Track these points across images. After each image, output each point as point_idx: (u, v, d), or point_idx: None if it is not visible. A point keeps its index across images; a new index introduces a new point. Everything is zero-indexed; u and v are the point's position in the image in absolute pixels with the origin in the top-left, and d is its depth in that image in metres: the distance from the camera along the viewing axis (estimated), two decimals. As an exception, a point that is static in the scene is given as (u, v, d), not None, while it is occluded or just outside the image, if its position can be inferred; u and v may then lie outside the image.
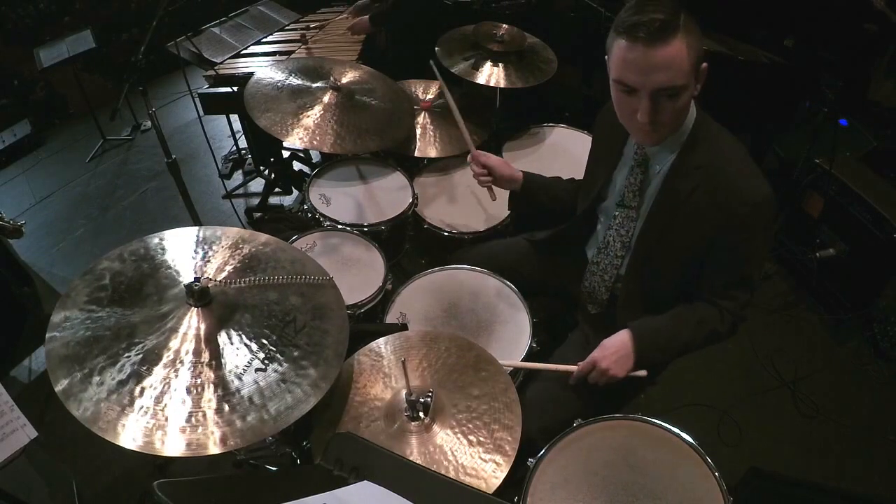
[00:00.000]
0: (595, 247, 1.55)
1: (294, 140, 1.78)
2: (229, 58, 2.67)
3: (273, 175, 3.20)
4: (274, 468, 1.52)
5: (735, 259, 1.30)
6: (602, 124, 1.52)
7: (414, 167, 2.16)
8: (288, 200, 3.25)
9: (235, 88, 2.43)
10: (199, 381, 1.03)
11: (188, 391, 1.01)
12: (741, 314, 1.38)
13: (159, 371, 1.03)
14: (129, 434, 0.96)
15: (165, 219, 3.15)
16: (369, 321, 1.65)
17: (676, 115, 1.20)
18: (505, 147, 2.27)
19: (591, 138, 1.64)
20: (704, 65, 1.18)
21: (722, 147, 1.27)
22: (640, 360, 1.34)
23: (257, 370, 1.07)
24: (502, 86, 2.22)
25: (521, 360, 1.45)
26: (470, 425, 1.17)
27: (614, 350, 1.34)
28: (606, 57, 1.21)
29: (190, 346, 1.07)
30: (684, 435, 1.15)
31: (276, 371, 1.07)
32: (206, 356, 1.06)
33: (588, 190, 1.56)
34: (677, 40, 1.09)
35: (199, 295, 1.10)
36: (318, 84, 1.95)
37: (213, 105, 2.64)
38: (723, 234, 1.26)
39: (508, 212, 1.98)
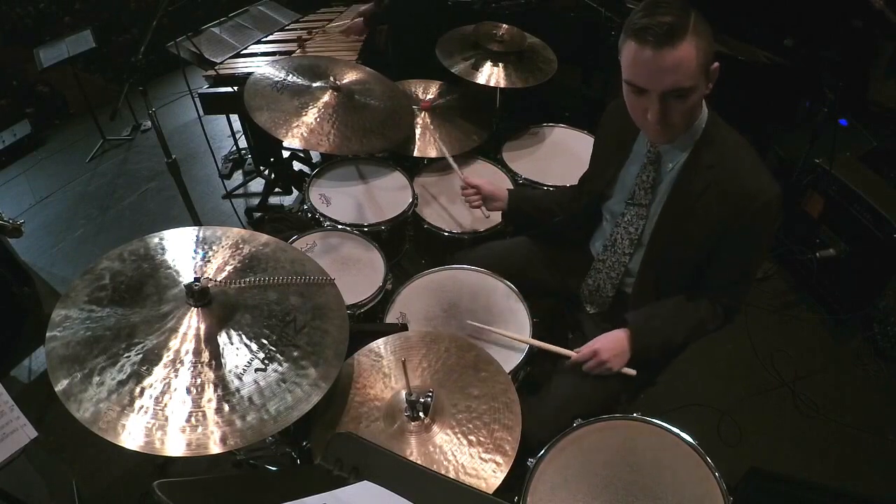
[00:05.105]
0: (602, 244, 1.55)
1: (295, 140, 1.78)
2: (229, 58, 2.67)
3: (273, 175, 3.20)
4: (274, 468, 1.52)
5: (741, 255, 1.33)
6: (610, 121, 1.52)
7: (414, 167, 2.16)
8: (288, 200, 3.25)
9: (235, 88, 2.43)
10: (199, 381, 1.03)
11: (188, 391, 1.01)
12: (736, 306, 1.42)
13: (159, 371, 1.03)
14: (129, 434, 0.96)
15: (165, 219, 3.15)
16: (369, 321, 1.65)
17: (686, 114, 1.22)
18: (505, 147, 2.27)
19: (590, 138, 1.65)
20: (716, 64, 1.19)
21: (732, 146, 1.29)
22: (635, 359, 1.38)
23: (257, 370, 1.07)
24: (502, 86, 2.21)
25: (525, 348, 1.48)
26: (470, 425, 1.17)
27: (616, 345, 1.37)
28: (619, 56, 1.23)
29: (190, 346, 1.07)
30: (684, 435, 1.15)
31: (276, 371, 1.07)
32: (206, 356, 1.06)
33: (592, 186, 1.57)
34: (685, 43, 1.10)
35: (199, 295, 1.10)
36: (318, 84, 1.94)
37: (213, 105, 2.64)
38: (732, 231, 1.28)
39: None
